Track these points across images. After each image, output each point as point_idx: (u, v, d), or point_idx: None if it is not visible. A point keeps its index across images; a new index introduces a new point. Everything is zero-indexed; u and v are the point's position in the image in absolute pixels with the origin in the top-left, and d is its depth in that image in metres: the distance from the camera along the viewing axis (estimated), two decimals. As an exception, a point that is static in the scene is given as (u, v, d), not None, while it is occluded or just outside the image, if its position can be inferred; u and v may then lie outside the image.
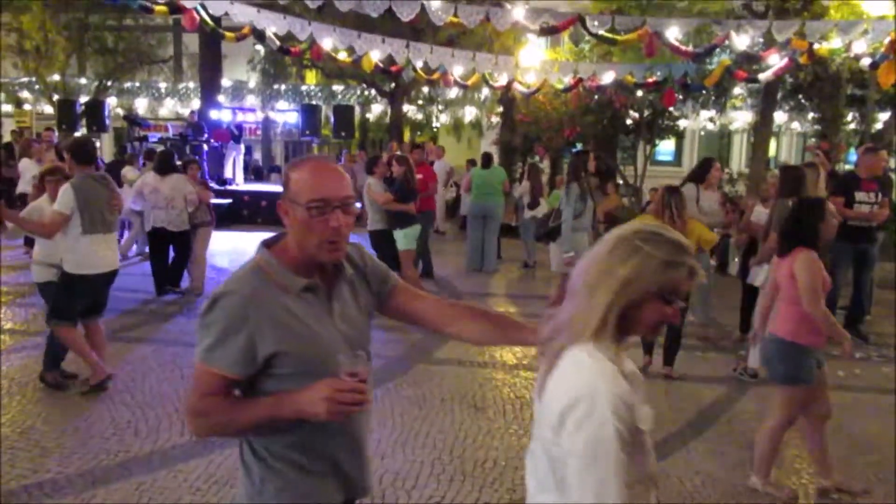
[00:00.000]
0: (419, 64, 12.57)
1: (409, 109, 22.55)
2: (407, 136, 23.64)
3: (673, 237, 1.62)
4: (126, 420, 4.80)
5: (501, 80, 13.81)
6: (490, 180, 10.83)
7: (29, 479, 3.97)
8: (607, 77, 12.33)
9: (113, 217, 5.31)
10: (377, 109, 23.62)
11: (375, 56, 11.42)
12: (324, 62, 15.47)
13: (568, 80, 13.07)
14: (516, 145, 17.57)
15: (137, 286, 8.77)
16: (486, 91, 19.19)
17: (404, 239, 8.11)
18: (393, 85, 19.06)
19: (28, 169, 10.35)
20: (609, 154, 16.14)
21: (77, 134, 16.69)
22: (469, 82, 13.92)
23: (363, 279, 1.98)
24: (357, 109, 21.83)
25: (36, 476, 3.99)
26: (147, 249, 10.50)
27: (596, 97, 14.69)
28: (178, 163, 9.06)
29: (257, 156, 23.48)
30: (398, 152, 10.46)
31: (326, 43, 10.90)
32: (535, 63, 12.80)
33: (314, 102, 20.88)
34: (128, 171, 10.74)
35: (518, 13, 8.63)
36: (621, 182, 15.70)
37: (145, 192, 8.28)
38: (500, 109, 18.99)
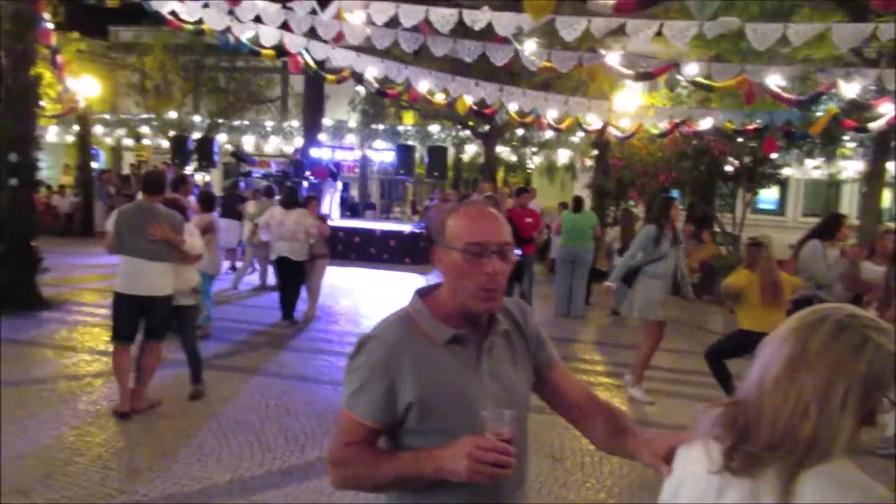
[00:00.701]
0: (513, 107, 12.69)
1: (502, 151, 22.72)
2: (500, 177, 23.79)
3: (886, 324, 1.31)
4: (210, 447, 4.96)
5: (596, 124, 13.74)
6: (580, 224, 10.72)
7: (116, 498, 4.15)
8: (705, 123, 12.05)
9: (154, 245, 5.42)
10: (471, 150, 23.90)
11: (469, 99, 11.62)
12: (420, 104, 15.86)
13: (664, 124, 12.86)
14: (609, 189, 17.36)
15: (241, 316, 9.17)
16: (580, 134, 19.13)
17: None
18: (487, 126, 19.28)
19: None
20: (706, 201, 15.70)
21: (188, 168, 17.74)
22: (563, 126, 13.92)
23: (522, 338, 1.87)
24: (451, 150, 22.17)
25: (123, 496, 4.18)
26: (259, 282, 11.06)
27: (694, 142, 14.38)
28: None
29: (354, 193, 24.15)
30: (488, 193, 10.55)
31: (422, 85, 11.18)
32: (630, 108, 12.68)
33: (410, 142, 21.36)
34: (249, 206, 11.35)
35: (613, 59, 8.60)
36: (718, 230, 15.21)
37: (272, 224, 8.82)
38: (595, 153, 18.88)
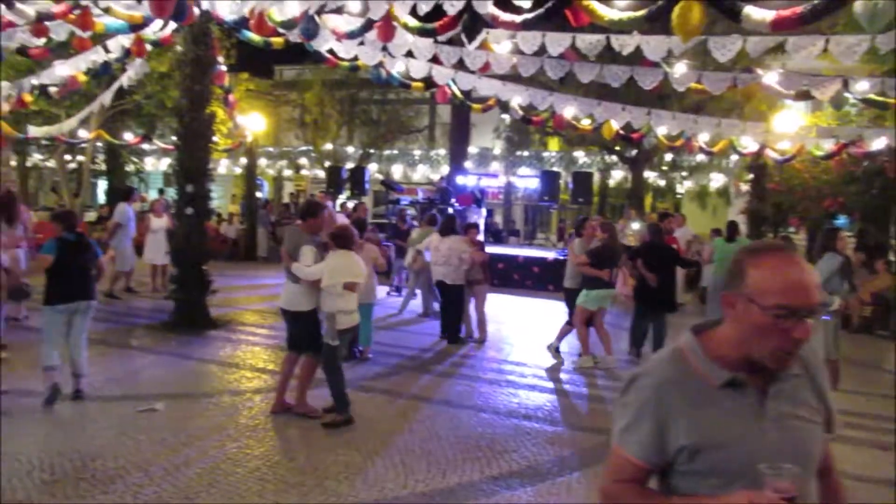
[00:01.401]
0: (662, 130, 12.33)
1: (650, 175, 22.11)
2: (648, 202, 23.13)
3: None
4: (357, 466, 5.13)
5: (751, 146, 13.04)
6: (735, 252, 10.15)
7: (272, 510, 4.39)
8: (878, 143, 11.10)
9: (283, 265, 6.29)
10: (617, 175, 23.46)
11: (616, 123, 11.42)
12: (565, 130, 15.78)
13: (829, 145, 11.98)
14: (767, 215, 16.35)
15: (396, 341, 9.45)
16: (734, 157, 18.23)
17: (585, 297, 8.40)
18: (634, 151, 18.85)
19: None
20: (879, 227, 14.40)
21: (341, 196, 18.66)
22: (715, 149, 13.33)
23: (812, 387, 1.71)
24: (596, 175, 21.86)
25: (278, 508, 4.41)
26: (422, 309, 11.37)
27: (865, 164, 13.28)
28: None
29: (497, 219, 24.36)
30: (604, 220, 10.29)
31: (567, 111, 11.13)
32: (790, 128, 11.92)
33: (554, 169, 21.30)
34: (413, 232, 11.77)
35: (771, 78, 8.15)
36: (895, 259, 13.89)
37: (430, 249, 9.48)
38: (750, 177, 17.91)
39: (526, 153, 24.63)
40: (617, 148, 19.23)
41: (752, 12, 5.02)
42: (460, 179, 18.20)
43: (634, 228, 15.42)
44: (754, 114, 13.92)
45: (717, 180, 22.02)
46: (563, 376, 8.12)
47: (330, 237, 6.18)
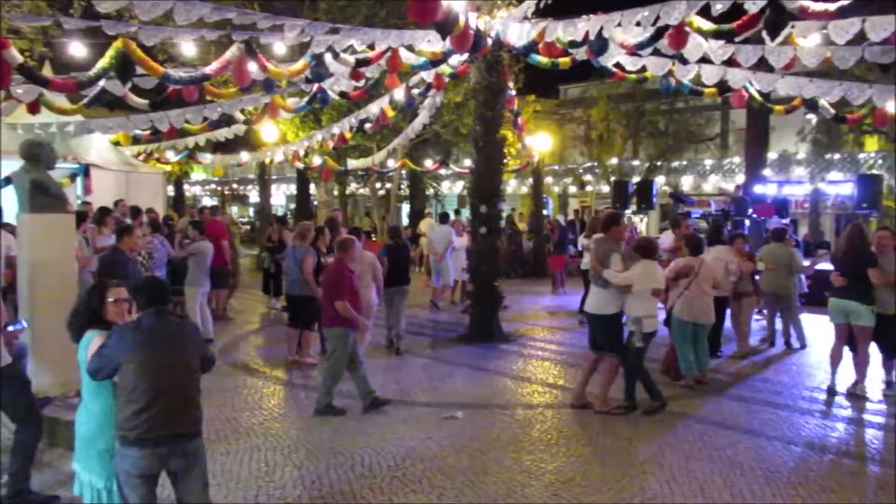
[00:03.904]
0: None
1: None
2: None
3: None
4: (654, 491, 4.93)
5: None
6: None
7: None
8: None
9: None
10: (961, 175, 19.88)
11: (961, 113, 9.65)
12: (888, 126, 13.77)
13: None
14: None
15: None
16: None
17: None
18: None
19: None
20: None
21: (628, 211, 18.31)
22: None
23: None
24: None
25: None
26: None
27: None
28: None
29: (803, 230, 22.06)
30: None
31: (890, 105, 9.67)
32: None
33: (874, 172, 18.69)
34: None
35: None
36: None
37: None
38: None
39: (837, 156, 22.02)
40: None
41: None
42: (758, 188, 16.80)
43: None
44: None
45: None
46: (890, 408, 7.02)
47: (635, 248, 6.65)
